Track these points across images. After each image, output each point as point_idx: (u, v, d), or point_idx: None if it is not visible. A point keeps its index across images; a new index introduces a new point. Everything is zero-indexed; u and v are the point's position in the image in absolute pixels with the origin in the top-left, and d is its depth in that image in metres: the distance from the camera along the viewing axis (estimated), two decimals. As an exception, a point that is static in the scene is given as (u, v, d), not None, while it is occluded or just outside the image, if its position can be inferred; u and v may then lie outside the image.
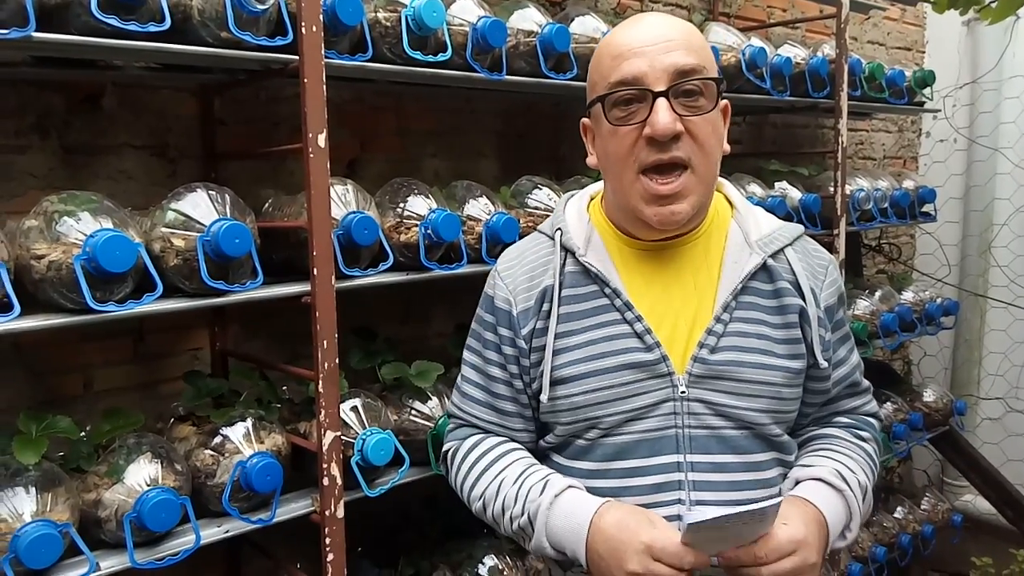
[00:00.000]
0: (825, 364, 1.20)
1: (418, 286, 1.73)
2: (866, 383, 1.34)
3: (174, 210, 1.42)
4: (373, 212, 1.65)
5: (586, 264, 1.20)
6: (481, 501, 1.23)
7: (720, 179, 1.25)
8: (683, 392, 1.16)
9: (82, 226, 1.30)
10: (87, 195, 1.36)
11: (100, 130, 1.70)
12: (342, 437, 1.56)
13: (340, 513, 1.55)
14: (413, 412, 1.78)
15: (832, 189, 2.71)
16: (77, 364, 1.71)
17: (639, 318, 1.17)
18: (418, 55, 1.66)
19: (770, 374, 1.17)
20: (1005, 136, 3.69)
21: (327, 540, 1.54)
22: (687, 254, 1.22)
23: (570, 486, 1.16)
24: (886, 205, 2.99)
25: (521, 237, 1.86)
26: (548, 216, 1.94)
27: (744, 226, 1.24)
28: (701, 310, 1.19)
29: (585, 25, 2.02)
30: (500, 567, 1.97)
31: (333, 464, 1.53)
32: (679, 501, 1.15)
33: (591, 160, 1.25)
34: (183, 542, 1.43)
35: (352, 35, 1.60)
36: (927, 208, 3.26)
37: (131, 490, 1.38)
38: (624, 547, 1.05)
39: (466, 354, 1.32)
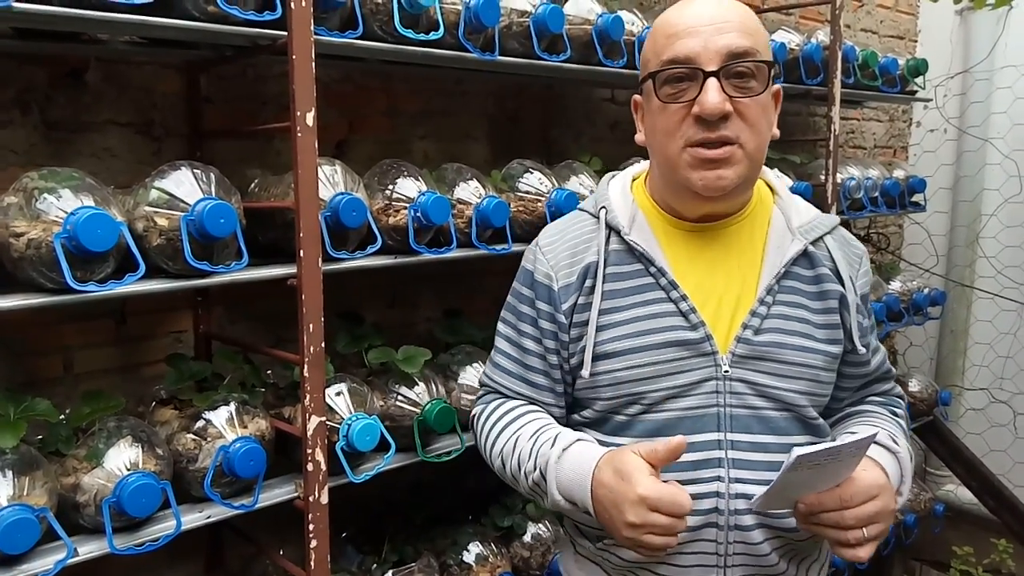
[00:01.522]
0: (864, 350, 1.24)
1: (406, 270, 1.72)
2: (893, 369, 1.38)
3: (158, 188, 1.39)
4: (361, 194, 1.62)
5: (631, 242, 1.21)
6: (500, 459, 1.25)
7: (763, 166, 1.26)
8: (726, 371, 1.17)
9: (63, 203, 1.27)
10: (68, 172, 1.33)
11: (83, 106, 1.66)
12: (327, 422, 1.54)
13: (324, 499, 1.53)
14: (399, 398, 1.76)
15: (823, 177, 2.71)
16: (57, 345, 1.67)
17: (684, 297, 1.18)
18: (409, 33, 1.63)
19: (810, 357, 1.20)
20: (995, 126, 3.68)
21: (311, 526, 1.52)
22: (731, 236, 1.23)
23: (579, 439, 1.17)
24: (876, 194, 2.99)
25: (511, 221, 1.85)
26: (542, 200, 1.93)
27: (786, 212, 1.26)
28: (744, 292, 1.20)
29: (579, 6, 1.99)
30: (485, 554, 1.96)
31: (318, 449, 1.51)
32: (718, 479, 1.16)
33: (639, 137, 1.26)
34: (164, 527, 1.41)
35: (342, 11, 1.56)
36: (917, 198, 3.26)
37: (111, 474, 1.35)
38: (623, 500, 1.06)
39: (501, 326, 1.34)
